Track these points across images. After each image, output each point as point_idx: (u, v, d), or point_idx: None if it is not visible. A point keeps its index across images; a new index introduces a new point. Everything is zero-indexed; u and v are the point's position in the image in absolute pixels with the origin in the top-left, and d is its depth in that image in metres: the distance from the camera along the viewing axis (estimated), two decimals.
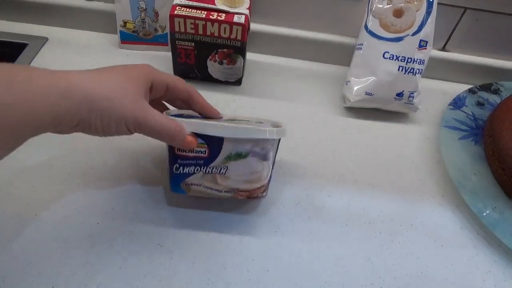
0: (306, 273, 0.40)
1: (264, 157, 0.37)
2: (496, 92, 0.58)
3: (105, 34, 0.61)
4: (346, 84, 0.55)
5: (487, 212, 0.44)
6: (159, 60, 0.59)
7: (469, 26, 0.56)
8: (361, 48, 0.53)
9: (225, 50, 0.52)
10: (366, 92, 0.52)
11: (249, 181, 0.38)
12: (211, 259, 0.39)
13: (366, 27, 0.52)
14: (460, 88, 0.59)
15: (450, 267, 0.42)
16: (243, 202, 0.43)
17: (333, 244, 0.42)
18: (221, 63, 0.54)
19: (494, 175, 0.48)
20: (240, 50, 0.52)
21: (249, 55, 0.61)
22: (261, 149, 0.36)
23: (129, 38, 0.59)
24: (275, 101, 0.56)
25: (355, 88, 0.53)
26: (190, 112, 0.39)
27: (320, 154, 0.50)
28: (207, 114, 0.39)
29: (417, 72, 0.51)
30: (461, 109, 0.55)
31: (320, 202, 0.45)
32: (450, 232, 0.45)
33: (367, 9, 0.52)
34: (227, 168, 0.37)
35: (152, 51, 0.60)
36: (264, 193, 0.41)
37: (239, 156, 0.36)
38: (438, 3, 0.51)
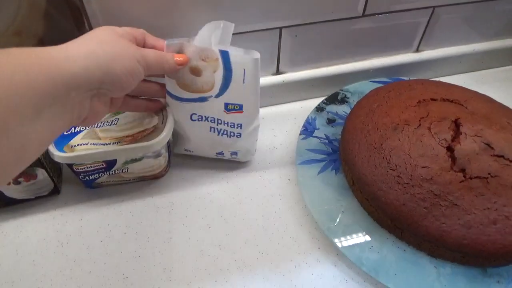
0: None
1: (157, 155, 0.44)
2: (344, 100, 0.54)
3: None
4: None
5: (366, 256, 0.39)
6: None
7: (292, 44, 0.51)
8: (170, 111, 0.44)
9: None
10: (185, 148, 0.48)
11: (150, 171, 0.46)
12: None
13: (166, 89, 0.43)
14: (312, 104, 0.54)
15: None
16: None
17: None
18: (17, 183, 0.42)
19: (361, 205, 0.43)
20: (34, 163, 0.41)
21: None
22: (152, 153, 0.43)
23: None
24: (97, 208, 0.46)
25: (177, 145, 0.48)
26: None
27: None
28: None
29: (233, 135, 0.44)
30: (314, 134, 0.50)
31: None
32: None
33: None
34: (127, 168, 0.44)
35: None
36: (166, 172, 0.48)
37: (135, 160, 0.43)
38: (255, 30, 0.47)
